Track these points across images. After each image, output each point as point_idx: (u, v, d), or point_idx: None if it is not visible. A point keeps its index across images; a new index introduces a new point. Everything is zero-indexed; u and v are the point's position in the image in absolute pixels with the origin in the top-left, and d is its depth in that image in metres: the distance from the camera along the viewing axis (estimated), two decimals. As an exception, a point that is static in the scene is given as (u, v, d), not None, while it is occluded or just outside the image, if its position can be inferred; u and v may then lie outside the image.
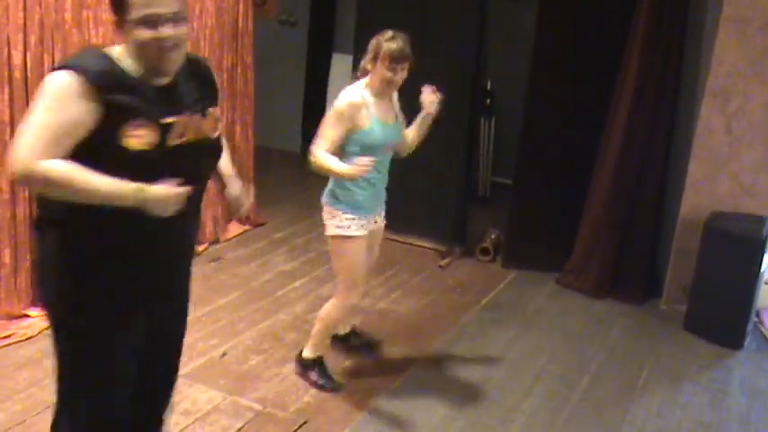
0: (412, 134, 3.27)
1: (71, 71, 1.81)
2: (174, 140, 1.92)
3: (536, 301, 4.49)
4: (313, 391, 3.32)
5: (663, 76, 4.36)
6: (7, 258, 3.58)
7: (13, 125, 3.38)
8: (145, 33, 1.84)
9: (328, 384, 3.34)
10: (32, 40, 3.45)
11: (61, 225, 1.96)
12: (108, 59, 1.89)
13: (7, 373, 3.23)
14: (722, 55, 4.07)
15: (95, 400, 2.12)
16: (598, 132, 4.61)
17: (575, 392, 3.49)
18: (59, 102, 1.79)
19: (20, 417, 2.93)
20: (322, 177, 3.12)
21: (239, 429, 3.01)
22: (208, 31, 4.60)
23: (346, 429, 3.08)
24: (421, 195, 5.10)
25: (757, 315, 4.23)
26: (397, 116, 3.18)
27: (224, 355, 3.57)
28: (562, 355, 3.86)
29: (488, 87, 6.11)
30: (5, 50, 3.37)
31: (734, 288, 3.99)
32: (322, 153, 2.95)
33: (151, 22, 1.83)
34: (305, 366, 3.39)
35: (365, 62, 3.06)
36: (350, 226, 3.10)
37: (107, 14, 3.59)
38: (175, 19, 1.86)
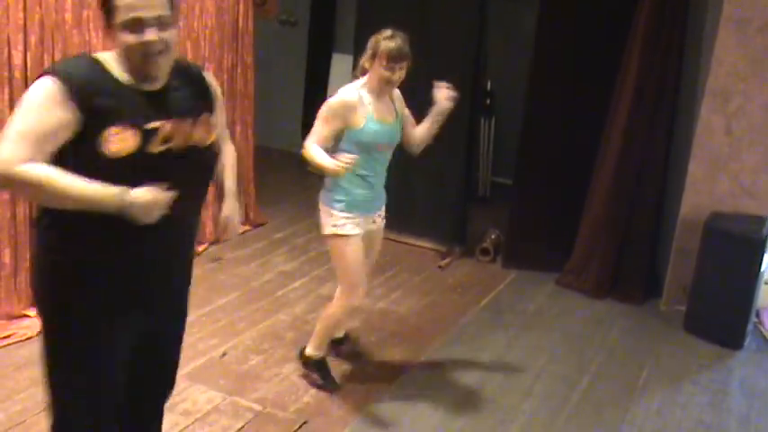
0: (423, 130, 3.26)
1: (54, 77, 1.81)
2: (157, 146, 1.89)
3: (536, 302, 4.49)
4: (313, 391, 3.32)
5: (663, 76, 4.36)
6: (7, 258, 3.58)
7: (13, 125, 3.37)
8: (129, 38, 1.83)
9: (329, 385, 3.34)
10: (33, 40, 3.45)
11: (51, 225, 1.95)
12: (96, 65, 1.88)
13: (7, 373, 3.23)
14: (722, 55, 4.07)
15: (77, 406, 2.08)
16: (598, 132, 4.61)
17: (575, 392, 3.49)
18: (41, 108, 1.79)
19: (20, 417, 2.93)
20: (322, 177, 3.12)
21: (239, 429, 3.01)
22: (208, 32, 4.60)
23: (346, 429, 3.08)
24: (421, 195, 5.10)
25: (757, 315, 4.23)
26: (397, 114, 3.17)
27: (224, 355, 3.57)
28: (562, 355, 3.86)
29: (488, 87, 6.11)
30: (6, 50, 3.37)
31: (734, 288, 3.99)
32: (311, 145, 2.96)
33: (135, 26, 1.82)
34: (306, 365, 3.39)
35: (363, 60, 3.06)
36: (345, 224, 3.09)
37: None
38: (160, 23, 1.85)
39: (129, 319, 2.07)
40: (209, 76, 2.16)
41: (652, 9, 4.27)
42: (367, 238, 3.20)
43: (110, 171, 1.80)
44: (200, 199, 2.15)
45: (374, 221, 3.24)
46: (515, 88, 5.23)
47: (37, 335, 3.48)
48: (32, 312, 3.60)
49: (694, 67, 4.38)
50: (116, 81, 1.88)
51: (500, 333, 4.04)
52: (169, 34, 1.88)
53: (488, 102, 6.17)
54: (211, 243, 4.83)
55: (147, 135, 1.87)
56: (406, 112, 3.25)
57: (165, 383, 2.37)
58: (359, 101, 3.01)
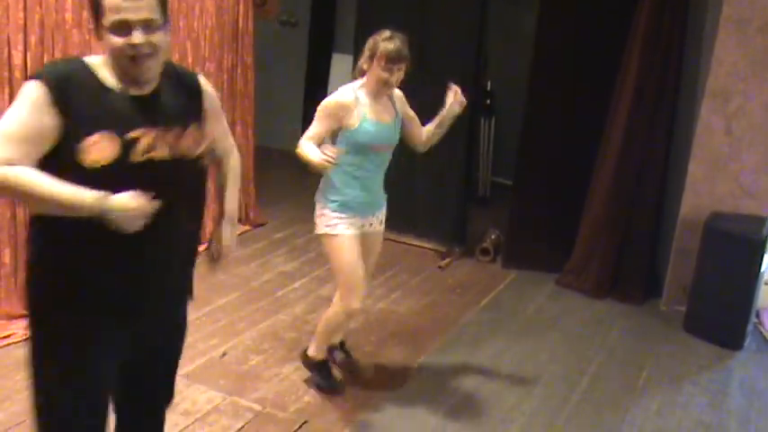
0: (430, 130, 3.25)
1: (39, 81, 1.79)
2: (138, 156, 1.83)
3: (536, 302, 4.49)
4: (313, 391, 3.32)
5: (663, 76, 4.37)
6: (7, 258, 3.58)
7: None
8: (116, 40, 1.80)
9: (330, 386, 3.34)
10: (33, 40, 3.45)
11: (40, 231, 1.92)
12: (84, 68, 1.86)
13: (7, 373, 3.23)
14: (722, 55, 4.07)
15: (60, 415, 2.02)
16: (598, 132, 4.61)
17: (575, 393, 3.49)
18: (24, 110, 1.77)
19: (19, 417, 2.93)
20: (321, 177, 3.12)
21: (239, 430, 3.01)
22: (208, 31, 4.60)
23: (346, 429, 3.09)
24: (421, 195, 5.11)
25: (757, 315, 4.23)
26: (396, 115, 3.17)
27: (224, 355, 3.57)
28: (562, 355, 3.86)
29: (488, 87, 6.11)
30: (6, 50, 3.37)
31: (734, 288, 3.99)
32: (303, 141, 2.95)
33: (122, 28, 1.79)
34: (308, 366, 3.39)
35: (362, 61, 3.05)
36: (337, 224, 3.07)
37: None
38: (148, 26, 1.81)
39: (116, 334, 2.01)
40: (205, 84, 2.09)
41: (652, 9, 4.27)
42: (364, 241, 3.17)
43: (90, 181, 1.75)
44: (192, 211, 2.08)
45: (371, 225, 3.20)
46: (515, 88, 5.23)
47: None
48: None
49: (694, 67, 4.38)
50: (102, 86, 1.85)
51: (500, 333, 4.04)
52: (157, 38, 1.84)
53: (488, 102, 6.17)
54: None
55: (128, 144, 1.82)
56: (411, 112, 3.24)
57: (162, 397, 2.31)
58: (354, 101, 3.01)
